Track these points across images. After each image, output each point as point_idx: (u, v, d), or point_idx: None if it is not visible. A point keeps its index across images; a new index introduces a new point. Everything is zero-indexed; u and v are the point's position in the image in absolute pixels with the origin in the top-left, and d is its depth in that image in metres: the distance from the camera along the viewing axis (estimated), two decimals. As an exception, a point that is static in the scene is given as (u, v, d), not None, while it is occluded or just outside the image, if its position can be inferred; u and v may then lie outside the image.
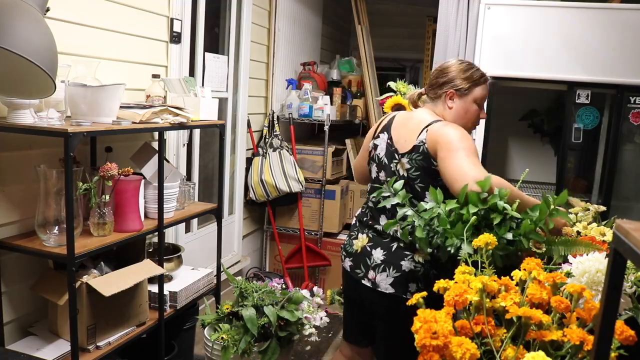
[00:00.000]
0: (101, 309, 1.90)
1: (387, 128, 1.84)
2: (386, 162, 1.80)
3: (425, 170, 1.67)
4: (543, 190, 1.61)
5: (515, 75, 2.89)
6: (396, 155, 1.75)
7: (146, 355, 2.25)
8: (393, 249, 1.72)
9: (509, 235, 1.49)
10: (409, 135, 1.73)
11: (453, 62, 1.84)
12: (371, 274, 1.73)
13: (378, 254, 1.74)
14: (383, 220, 1.75)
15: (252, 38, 3.60)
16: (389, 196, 1.67)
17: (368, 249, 1.76)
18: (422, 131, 1.68)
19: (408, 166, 1.70)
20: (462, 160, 1.54)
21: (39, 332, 1.96)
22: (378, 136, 1.88)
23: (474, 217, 1.50)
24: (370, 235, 1.79)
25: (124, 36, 2.37)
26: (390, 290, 1.69)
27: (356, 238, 1.84)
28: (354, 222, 1.92)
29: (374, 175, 1.87)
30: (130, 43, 2.41)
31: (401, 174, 1.72)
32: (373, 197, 1.80)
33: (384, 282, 1.70)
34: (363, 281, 1.76)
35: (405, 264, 1.69)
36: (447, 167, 1.57)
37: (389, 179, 1.75)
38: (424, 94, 1.88)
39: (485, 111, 2.90)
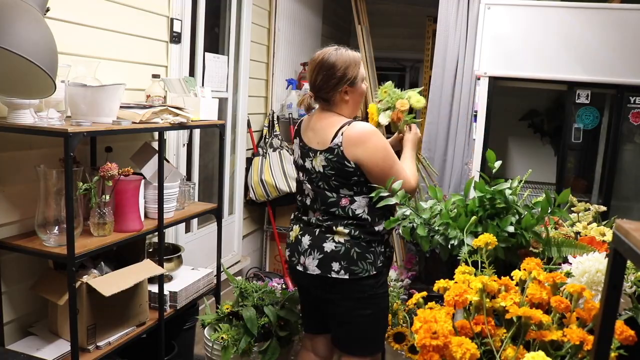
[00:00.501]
0: (101, 309, 1.90)
1: (298, 133, 1.96)
2: (302, 162, 1.90)
3: (340, 170, 1.77)
4: (544, 190, 1.61)
5: (515, 75, 2.89)
6: (310, 154, 1.84)
7: (146, 355, 2.25)
8: (316, 234, 1.84)
9: (511, 228, 1.50)
10: (321, 137, 1.81)
11: (332, 55, 1.80)
12: (302, 259, 1.86)
13: (306, 240, 1.86)
14: (310, 214, 1.89)
15: (252, 38, 3.60)
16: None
17: (299, 237, 1.90)
18: (336, 134, 1.77)
19: (324, 163, 1.79)
20: (398, 173, 1.79)
21: (39, 332, 1.96)
22: (293, 142, 2.00)
23: (479, 210, 1.51)
24: (301, 226, 1.92)
25: (124, 36, 2.37)
26: (317, 271, 1.81)
27: (291, 230, 1.97)
28: (292, 217, 2.05)
29: (299, 178, 1.97)
30: (130, 43, 2.42)
31: (317, 169, 1.82)
32: (299, 196, 1.97)
33: (311, 264, 1.83)
34: (297, 267, 1.89)
35: (327, 246, 1.81)
36: (385, 177, 1.75)
37: (306, 177, 1.88)
38: (313, 96, 1.87)
39: (485, 110, 2.91)
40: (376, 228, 1.82)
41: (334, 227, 1.81)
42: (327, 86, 1.81)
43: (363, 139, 1.75)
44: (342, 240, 1.80)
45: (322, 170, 1.80)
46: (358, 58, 1.84)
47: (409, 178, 1.83)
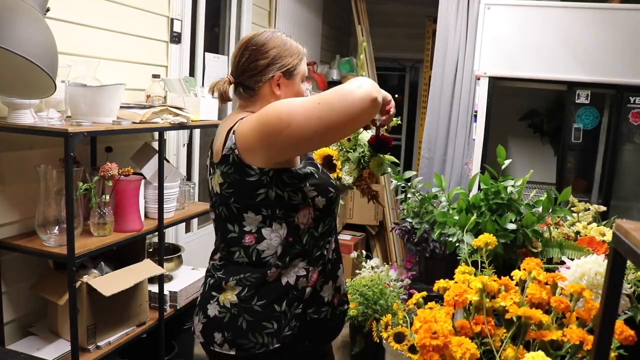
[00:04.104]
0: (101, 308, 1.90)
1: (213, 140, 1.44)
2: (208, 182, 1.41)
3: (240, 185, 1.26)
4: (546, 189, 1.62)
5: (515, 75, 2.89)
6: (211, 170, 1.37)
7: (146, 355, 2.25)
8: (206, 287, 1.36)
9: (512, 226, 1.51)
10: (218, 143, 1.34)
11: (266, 33, 1.37)
12: (194, 315, 1.40)
13: (200, 291, 1.41)
14: (214, 255, 1.41)
15: (252, 38, 3.60)
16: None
17: (202, 286, 1.43)
18: (227, 135, 1.28)
19: (221, 180, 1.30)
20: (315, 113, 1.16)
21: (39, 332, 1.96)
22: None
23: (482, 206, 1.52)
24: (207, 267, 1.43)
25: (124, 36, 2.37)
26: (201, 338, 1.36)
27: None
28: None
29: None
30: (130, 43, 2.42)
31: (216, 191, 1.34)
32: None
33: (197, 327, 1.37)
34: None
35: (211, 309, 1.32)
36: (308, 123, 1.17)
37: (210, 203, 1.40)
38: (233, 82, 1.38)
39: (485, 110, 2.91)
40: (284, 279, 1.29)
41: (224, 283, 1.31)
42: (253, 67, 1.33)
43: (252, 119, 1.24)
44: (227, 304, 1.29)
45: (219, 190, 1.32)
46: (302, 49, 1.41)
47: (327, 94, 1.18)
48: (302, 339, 1.33)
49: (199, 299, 1.38)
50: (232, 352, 1.29)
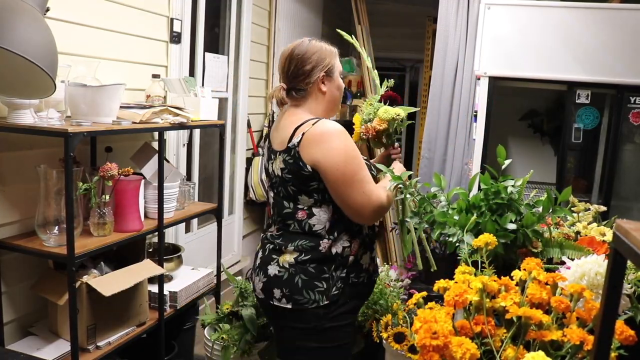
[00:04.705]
0: (101, 309, 1.90)
1: (268, 134, 1.77)
2: (267, 166, 1.70)
3: (296, 174, 1.55)
4: (546, 188, 1.62)
5: (515, 75, 2.89)
6: (272, 155, 1.64)
7: (146, 355, 2.25)
8: (266, 252, 1.64)
9: (512, 226, 1.50)
10: (282, 136, 1.60)
11: (304, 44, 1.64)
12: (253, 276, 1.68)
13: (259, 256, 1.68)
14: (270, 227, 1.69)
15: (252, 38, 3.60)
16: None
17: (258, 250, 1.71)
18: (295, 132, 1.55)
19: (282, 166, 1.57)
20: (358, 193, 1.52)
21: (39, 332, 1.96)
22: (264, 145, 1.77)
23: (482, 207, 1.52)
24: (262, 237, 1.73)
25: (124, 36, 2.37)
26: (262, 295, 1.62)
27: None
28: None
29: (266, 184, 1.80)
30: (130, 43, 2.42)
31: (276, 173, 1.61)
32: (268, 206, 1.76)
33: (258, 286, 1.64)
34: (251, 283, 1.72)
35: (271, 269, 1.59)
36: (345, 200, 1.54)
37: (269, 183, 1.68)
38: (286, 88, 1.65)
39: (485, 110, 2.91)
40: (334, 250, 1.57)
41: (283, 247, 1.59)
42: (302, 72, 1.60)
43: (323, 138, 1.51)
44: (286, 265, 1.57)
45: (280, 173, 1.59)
46: (334, 49, 1.69)
47: (379, 192, 1.57)
48: (345, 297, 1.60)
49: (258, 262, 1.66)
50: (289, 306, 1.56)
